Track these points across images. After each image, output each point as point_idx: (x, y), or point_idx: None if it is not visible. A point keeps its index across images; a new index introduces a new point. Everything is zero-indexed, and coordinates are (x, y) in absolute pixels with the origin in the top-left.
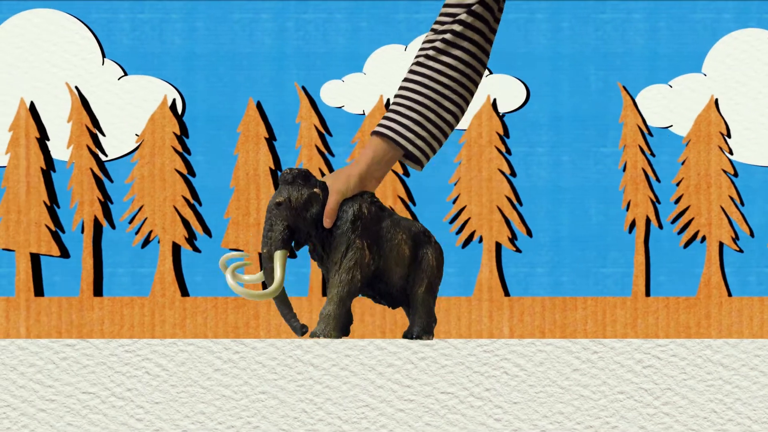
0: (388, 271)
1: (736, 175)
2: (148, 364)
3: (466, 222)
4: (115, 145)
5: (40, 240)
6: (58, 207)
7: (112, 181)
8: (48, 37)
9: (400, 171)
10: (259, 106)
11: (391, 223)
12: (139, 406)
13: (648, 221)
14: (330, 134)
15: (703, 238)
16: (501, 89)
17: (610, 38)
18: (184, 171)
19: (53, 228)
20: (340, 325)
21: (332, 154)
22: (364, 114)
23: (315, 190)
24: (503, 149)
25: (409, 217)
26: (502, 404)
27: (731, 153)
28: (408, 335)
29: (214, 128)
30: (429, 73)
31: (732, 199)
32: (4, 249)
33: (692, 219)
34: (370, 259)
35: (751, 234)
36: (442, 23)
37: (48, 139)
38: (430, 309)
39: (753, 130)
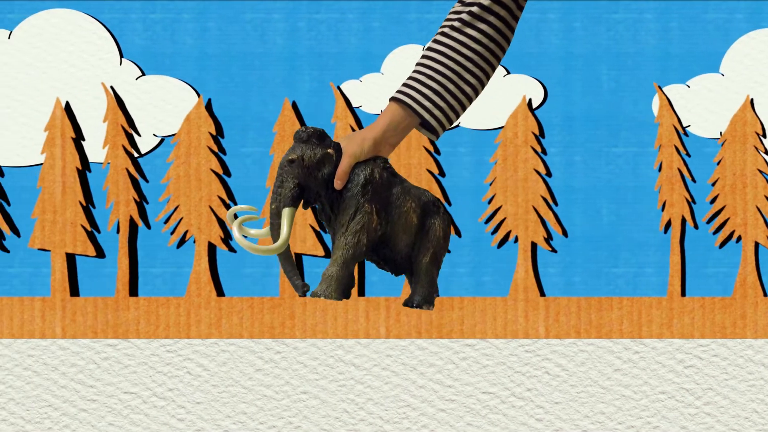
0: (395, 237)
1: None
2: (190, 364)
3: (501, 222)
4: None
5: (75, 240)
6: (94, 207)
7: (147, 181)
8: (66, 37)
9: (436, 171)
10: (294, 106)
11: (402, 190)
12: (181, 406)
13: (684, 221)
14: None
15: (739, 238)
16: (519, 89)
17: (622, 38)
18: (220, 171)
19: (89, 228)
20: (342, 287)
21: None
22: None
23: (329, 150)
24: (539, 149)
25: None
26: (543, 404)
27: (767, 153)
28: (408, 304)
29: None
30: (453, 44)
31: None
32: (39, 249)
33: (728, 219)
34: (378, 224)
35: None
36: None
37: (83, 139)
38: (432, 279)
39: None
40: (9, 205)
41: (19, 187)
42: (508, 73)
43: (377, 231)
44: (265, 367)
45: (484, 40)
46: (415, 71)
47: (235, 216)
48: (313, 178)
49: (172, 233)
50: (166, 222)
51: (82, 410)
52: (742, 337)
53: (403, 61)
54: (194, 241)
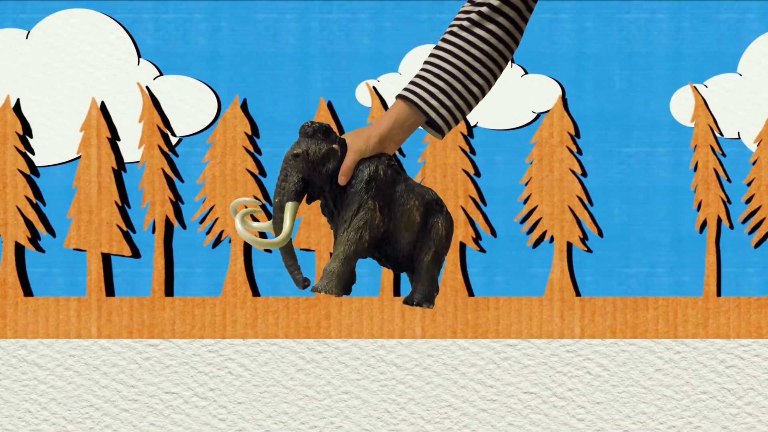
0: (397, 235)
1: None
2: (231, 364)
3: (537, 222)
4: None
5: (111, 240)
6: (129, 207)
7: (183, 181)
8: (84, 36)
9: (472, 171)
10: (330, 105)
11: (406, 187)
12: (222, 406)
13: (719, 221)
14: None
15: None
16: (536, 89)
17: (634, 38)
18: (256, 171)
19: (124, 228)
20: (343, 283)
21: (403, 155)
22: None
23: (334, 146)
24: (574, 149)
25: (478, 213)
26: (584, 404)
27: None
28: (408, 302)
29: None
30: (461, 44)
31: None
32: (75, 249)
33: (763, 219)
34: (380, 221)
35: None
36: None
37: (119, 139)
38: (433, 278)
39: None
40: (45, 205)
41: (54, 187)
42: (526, 73)
43: (380, 228)
44: (307, 367)
45: (493, 40)
46: (422, 69)
47: (238, 208)
48: (317, 172)
49: (207, 233)
50: (201, 222)
51: (123, 410)
52: None
53: (421, 61)
54: (230, 241)
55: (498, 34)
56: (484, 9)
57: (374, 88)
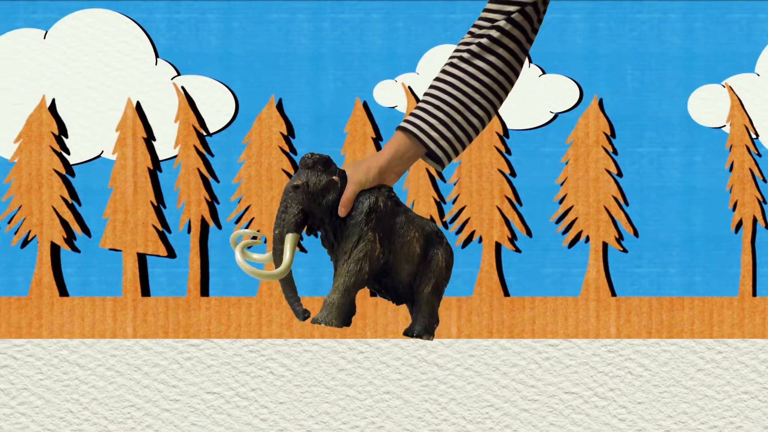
0: (397, 266)
1: None
2: (273, 364)
3: (573, 222)
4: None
5: (147, 240)
6: (165, 207)
7: (218, 181)
8: (101, 36)
9: (507, 171)
10: (365, 105)
11: (406, 219)
12: (264, 406)
13: (755, 221)
14: None
15: None
16: (554, 89)
17: (647, 38)
18: (291, 171)
19: (160, 228)
20: (343, 315)
21: None
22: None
23: (334, 177)
24: (610, 149)
25: (514, 213)
26: (626, 404)
27: None
28: (409, 333)
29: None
30: (461, 75)
31: None
32: (111, 249)
33: None
34: (380, 252)
35: None
36: (480, 27)
37: (154, 139)
38: (433, 309)
39: None
40: (80, 205)
41: (90, 188)
42: (544, 73)
43: (380, 259)
44: (348, 367)
45: (493, 72)
46: (422, 101)
47: (238, 240)
48: (317, 204)
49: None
50: (237, 222)
51: (164, 410)
52: None
53: (439, 61)
54: (265, 241)
55: (498, 66)
56: (484, 41)
57: (410, 87)
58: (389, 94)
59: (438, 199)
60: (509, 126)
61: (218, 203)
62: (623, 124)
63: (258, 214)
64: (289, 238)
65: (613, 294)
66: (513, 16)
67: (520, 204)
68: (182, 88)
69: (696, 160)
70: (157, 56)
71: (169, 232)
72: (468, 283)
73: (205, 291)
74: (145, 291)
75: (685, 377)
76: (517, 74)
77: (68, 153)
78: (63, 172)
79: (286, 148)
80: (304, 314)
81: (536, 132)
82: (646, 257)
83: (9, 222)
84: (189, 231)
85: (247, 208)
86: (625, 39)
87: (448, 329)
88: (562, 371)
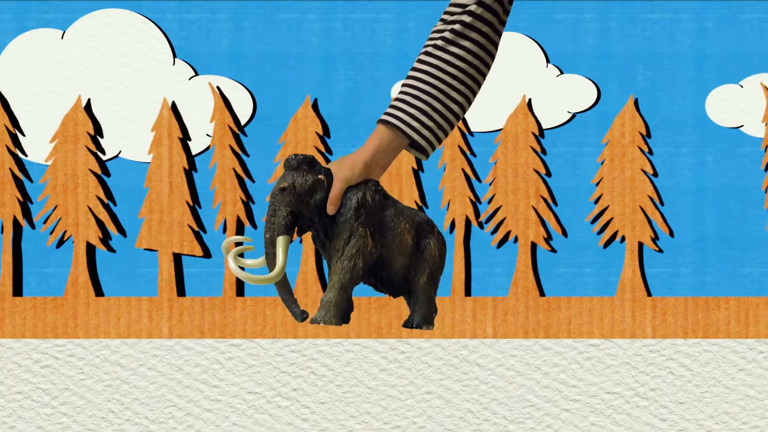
0: (391, 259)
1: None
2: (314, 364)
3: (608, 222)
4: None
5: (182, 240)
6: (200, 207)
7: (254, 181)
8: (119, 36)
9: (543, 171)
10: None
11: (395, 211)
12: (305, 406)
13: None
14: (472, 134)
15: None
16: (572, 89)
17: (658, 38)
18: None
19: (196, 228)
20: (341, 312)
21: (474, 155)
22: None
23: (319, 176)
24: (646, 149)
25: (549, 213)
26: (667, 404)
27: None
28: (408, 325)
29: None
30: (437, 63)
31: None
32: (146, 249)
33: None
34: (373, 247)
35: None
36: (452, 14)
37: (189, 139)
38: (431, 299)
39: None
40: (115, 205)
41: (125, 187)
42: (561, 73)
43: (373, 254)
44: (390, 367)
45: (468, 57)
46: (401, 92)
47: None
48: (305, 204)
49: None
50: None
51: (206, 410)
52: None
53: None
54: (300, 241)
55: (473, 51)
56: (456, 27)
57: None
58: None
59: (473, 199)
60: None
61: (254, 203)
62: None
63: None
64: (281, 241)
65: (649, 294)
66: None
67: (556, 204)
68: (217, 88)
69: (708, 160)
70: (174, 56)
71: (205, 232)
72: (504, 284)
73: (240, 291)
74: (181, 291)
75: (726, 377)
76: (492, 57)
77: (103, 153)
78: (99, 171)
79: (322, 148)
80: (302, 315)
81: (570, 132)
82: (682, 257)
83: (45, 222)
84: (224, 231)
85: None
86: (636, 39)
87: (483, 329)
88: (604, 371)
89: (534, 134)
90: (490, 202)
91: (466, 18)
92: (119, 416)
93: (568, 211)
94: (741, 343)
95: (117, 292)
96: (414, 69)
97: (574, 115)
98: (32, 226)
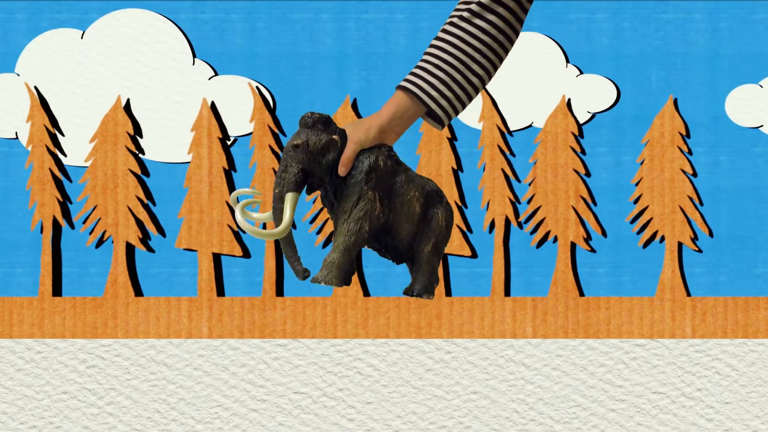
0: (397, 226)
1: None
2: (360, 364)
3: (648, 222)
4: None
5: (222, 240)
6: None
7: None
8: (138, 36)
9: (582, 171)
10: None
11: (406, 178)
12: (351, 406)
13: None
14: (511, 134)
15: None
16: (591, 89)
17: (672, 38)
18: None
19: (235, 228)
20: (343, 274)
21: (513, 154)
22: None
23: (334, 137)
24: (685, 149)
25: (589, 213)
26: (713, 404)
27: None
28: (408, 292)
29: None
30: (461, 34)
31: None
32: (185, 249)
33: None
34: (380, 211)
35: None
36: None
37: (229, 139)
38: (433, 268)
39: None
40: (155, 205)
41: (164, 187)
42: (581, 72)
43: (380, 219)
44: (436, 367)
45: (493, 31)
46: (423, 60)
47: (238, 199)
48: (317, 163)
49: (318, 233)
50: (311, 222)
51: (252, 410)
52: None
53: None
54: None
55: (498, 25)
56: (484, 0)
57: (486, 89)
58: None
59: (513, 199)
60: (541, 126)
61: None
62: (648, 124)
63: None
64: (289, 197)
65: (688, 294)
66: None
67: (595, 204)
68: (257, 88)
69: (721, 160)
70: (194, 56)
71: (244, 232)
72: (543, 284)
73: (280, 291)
74: (220, 291)
75: None
76: (517, 33)
77: (143, 153)
78: (138, 172)
79: None
80: (304, 273)
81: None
82: (721, 257)
83: (84, 222)
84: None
85: (321, 209)
86: (650, 39)
87: (523, 329)
88: (650, 371)
89: (573, 134)
90: (529, 202)
91: None
92: (165, 416)
93: (608, 211)
94: None
95: (156, 292)
96: (437, 38)
97: (594, 115)
98: (72, 226)
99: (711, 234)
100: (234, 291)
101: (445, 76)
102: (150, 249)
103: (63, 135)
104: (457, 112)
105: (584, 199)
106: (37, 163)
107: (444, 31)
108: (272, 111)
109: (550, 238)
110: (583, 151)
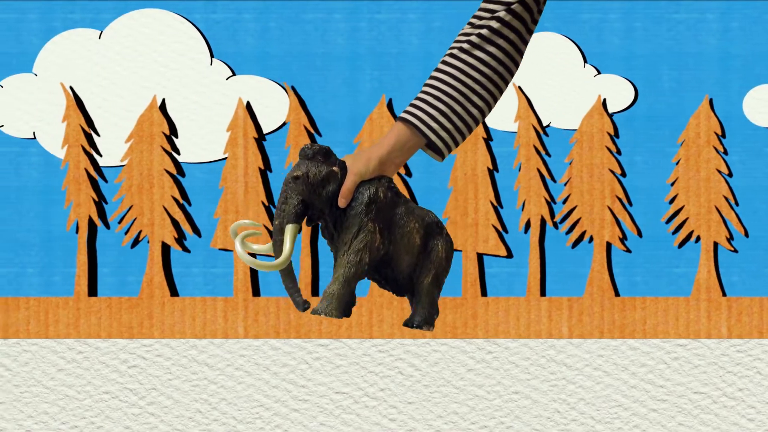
0: (397, 257)
1: None
2: (401, 364)
3: (683, 222)
4: (224, 144)
5: (257, 240)
6: (275, 206)
7: None
8: (156, 36)
9: (618, 171)
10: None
11: (406, 210)
12: (392, 406)
13: None
14: (547, 134)
15: None
16: (609, 89)
17: (684, 38)
18: (403, 171)
19: (271, 228)
20: (343, 305)
21: (549, 154)
22: None
23: (334, 168)
24: (721, 149)
25: (624, 213)
26: (755, 404)
27: None
28: (409, 324)
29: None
30: (461, 66)
31: None
32: (221, 249)
33: None
34: (380, 243)
35: None
36: (480, 18)
37: (264, 139)
38: (433, 300)
39: None
40: (190, 205)
41: (200, 187)
42: (599, 73)
43: (380, 250)
44: (477, 367)
45: (493, 62)
46: (423, 92)
47: (238, 231)
48: (317, 195)
49: None
50: None
51: (293, 410)
52: None
53: None
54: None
55: (498, 57)
56: (484, 31)
57: (519, 87)
58: None
59: (549, 199)
60: (566, 126)
61: None
62: (660, 123)
63: None
64: (289, 229)
65: (724, 294)
66: (513, 6)
67: (630, 204)
68: (292, 88)
69: (733, 160)
70: (212, 56)
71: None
72: (579, 284)
73: (315, 291)
74: (256, 291)
75: None
76: (517, 65)
77: (178, 153)
78: (174, 172)
79: None
80: (304, 305)
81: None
82: (755, 257)
83: (120, 222)
84: (299, 232)
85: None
86: (661, 39)
87: (559, 329)
88: (691, 371)
89: (609, 134)
90: (565, 202)
91: (494, 24)
92: (207, 416)
93: (644, 211)
94: None
95: (192, 292)
96: (438, 70)
97: (611, 116)
98: (107, 226)
99: (746, 234)
100: (269, 291)
101: (445, 108)
102: (185, 249)
103: (99, 135)
104: (457, 144)
105: (620, 199)
106: (72, 163)
107: (444, 62)
108: (308, 111)
109: (586, 238)
110: (619, 151)
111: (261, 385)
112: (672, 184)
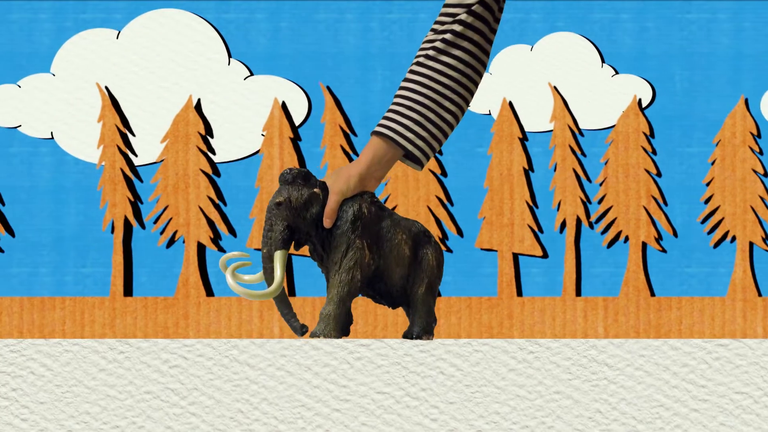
0: (388, 270)
1: None
2: (443, 364)
3: (719, 222)
4: (241, 145)
5: None
6: None
7: None
8: (173, 36)
9: (654, 171)
10: (510, 105)
11: (392, 222)
12: (434, 406)
13: None
14: (582, 134)
15: None
16: (626, 89)
17: (696, 38)
18: (438, 171)
19: None
20: (340, 325)
21: (584, 154)
22: (489, 114)
23: (315, 190)
24: (756, 149)
25: (660, 213)
26: None
27: None
28: (408, 335)
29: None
30: (429, 73)
31: None
32: (257, 249)
33: None
34: (370, 258)
35: None
36: (442, 23)
37: (300, 139)
38: (430, 309)
39: None
40: (225, 205)
41: (235, 187)
42: (617, 73)
43: (370, 266)
44: (518, 367)
45: (460, 66)
46: (394, 103)
47: (228, 263)
48: (301, 218)
49: None
50: None
51: (335, 410)
52: None
53: (512, 61)
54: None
55: (464, 59)
56: (448, 36)
57: (555, 87)
58: None
59: (584, 199)
60: (585, 126)
61: None
62: (671, 123)
63: (404, 214)
64: (278, 256)
65: (760, 294)
66: (473, 8)
67: (666, 204)
68: (328, 87)
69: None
70: (229, 56)
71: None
72: (614, 284)
73: (291, 291)
74: (291, 291)
75: None
76: (484, 65)
77: (214, 153)
78: (209, 172)
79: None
80: (302, 329)
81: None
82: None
83: (155, 222)
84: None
85: (393, 208)
86: (673, 39)
87: (594, 329)
88: (732, 371)
89: (645, 134)
90: (600, 202)
91: (457, 27)
92: (248, 416)
93: (681, 211)
94: None
95: (227, 292)
96: (407, 80)
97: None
98: (143, 226)
99: None
100: (305, 291)
101: (418, 117)
102: (221, 249)
103: (134, 135)
104: (434, 151)
105: (655, 199)
106: (108, 162)
107: (412, 71)
108: (343, 111)
109: (622, 238)
110: (654, 151)
111: (302, 385)
112: (708, 184)
